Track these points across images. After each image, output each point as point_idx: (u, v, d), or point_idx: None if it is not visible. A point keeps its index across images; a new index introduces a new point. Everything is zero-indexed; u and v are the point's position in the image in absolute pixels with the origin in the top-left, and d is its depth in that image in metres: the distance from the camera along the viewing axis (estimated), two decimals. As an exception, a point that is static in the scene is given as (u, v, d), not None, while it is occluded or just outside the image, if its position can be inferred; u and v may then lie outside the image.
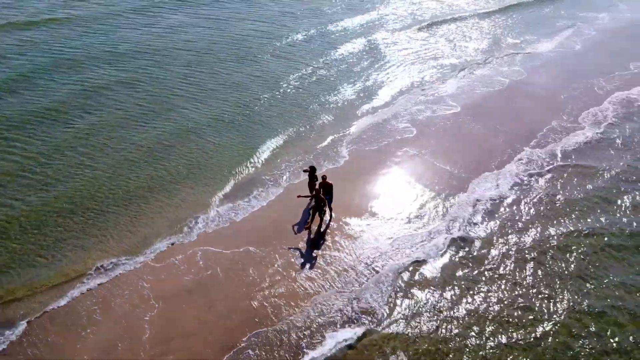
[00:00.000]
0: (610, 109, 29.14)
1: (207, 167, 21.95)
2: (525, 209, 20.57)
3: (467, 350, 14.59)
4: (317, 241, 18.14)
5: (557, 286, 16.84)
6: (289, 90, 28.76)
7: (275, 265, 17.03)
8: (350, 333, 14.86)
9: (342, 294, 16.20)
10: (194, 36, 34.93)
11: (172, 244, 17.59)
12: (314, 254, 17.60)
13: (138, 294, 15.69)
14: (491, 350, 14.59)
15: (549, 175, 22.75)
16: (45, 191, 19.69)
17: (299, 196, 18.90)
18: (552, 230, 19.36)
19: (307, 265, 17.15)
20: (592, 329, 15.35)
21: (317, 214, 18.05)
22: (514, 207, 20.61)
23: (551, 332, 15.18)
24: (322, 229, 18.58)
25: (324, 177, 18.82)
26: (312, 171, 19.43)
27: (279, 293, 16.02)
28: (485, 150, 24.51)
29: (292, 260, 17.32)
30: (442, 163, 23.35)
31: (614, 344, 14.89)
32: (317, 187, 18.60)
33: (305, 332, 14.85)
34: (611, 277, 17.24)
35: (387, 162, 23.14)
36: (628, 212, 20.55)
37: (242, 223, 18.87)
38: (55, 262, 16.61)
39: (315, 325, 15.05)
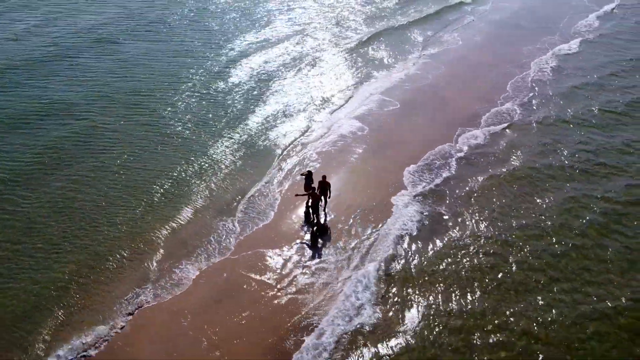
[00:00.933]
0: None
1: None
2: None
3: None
4: (319, 234, 20.13)
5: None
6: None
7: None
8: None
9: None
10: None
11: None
12: (319, 245, 19.61)
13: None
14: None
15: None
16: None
17: (296, 195, 20.74)
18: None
19: (316, 256, 19.08)
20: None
21: (315, 210, 19.99)
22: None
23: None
24: (321, 223, 20.55)
25: (324, 177, 20.75)
26: (309, 175, 21.38)
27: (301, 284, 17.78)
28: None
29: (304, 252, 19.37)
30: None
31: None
32: (317, 188, 20.58)
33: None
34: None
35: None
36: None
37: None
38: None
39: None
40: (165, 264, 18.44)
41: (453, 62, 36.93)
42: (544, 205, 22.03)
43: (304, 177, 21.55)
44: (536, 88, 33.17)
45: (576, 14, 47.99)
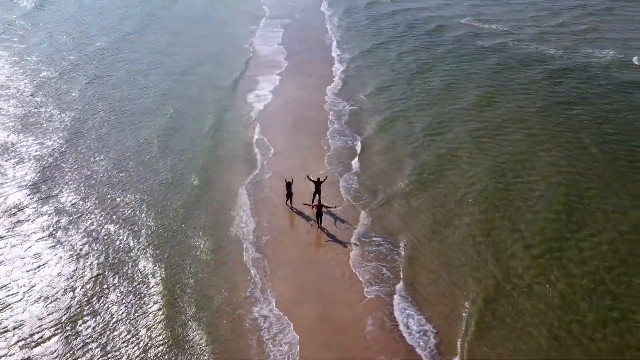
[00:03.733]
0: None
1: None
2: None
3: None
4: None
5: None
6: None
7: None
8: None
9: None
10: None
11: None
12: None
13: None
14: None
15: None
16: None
17: (304, 204, 24.33)
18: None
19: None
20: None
21: (319, 218, 23.60)
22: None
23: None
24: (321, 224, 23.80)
25: (318, 179, 24.25)
26: (288, 184, 24.41)
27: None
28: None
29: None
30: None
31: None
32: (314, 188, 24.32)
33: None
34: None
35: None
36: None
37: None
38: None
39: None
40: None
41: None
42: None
43: (289, 183, 24.40)
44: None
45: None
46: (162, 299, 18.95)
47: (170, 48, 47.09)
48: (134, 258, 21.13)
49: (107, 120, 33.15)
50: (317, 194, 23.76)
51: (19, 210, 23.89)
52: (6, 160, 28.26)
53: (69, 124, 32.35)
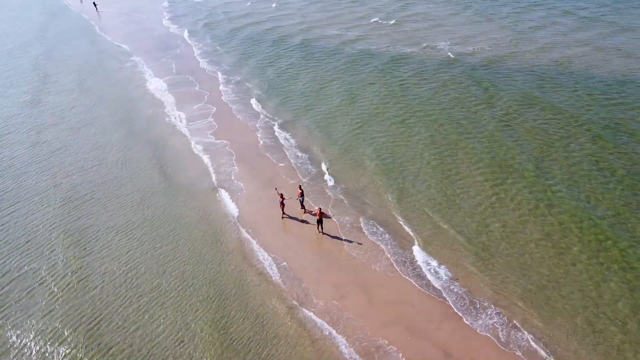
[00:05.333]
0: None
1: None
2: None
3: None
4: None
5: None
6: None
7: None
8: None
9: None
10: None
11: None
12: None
13: None
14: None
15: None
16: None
17: (306, 212, 29.26)
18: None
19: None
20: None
21: (320, 224, 27.38)
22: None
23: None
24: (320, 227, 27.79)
25: (301, 186, 29.34)
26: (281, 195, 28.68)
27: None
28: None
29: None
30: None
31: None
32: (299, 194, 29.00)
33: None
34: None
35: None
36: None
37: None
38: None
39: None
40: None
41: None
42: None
43: (280, 194, 28.62)
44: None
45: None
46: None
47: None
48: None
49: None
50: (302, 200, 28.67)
51: None
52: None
53: None
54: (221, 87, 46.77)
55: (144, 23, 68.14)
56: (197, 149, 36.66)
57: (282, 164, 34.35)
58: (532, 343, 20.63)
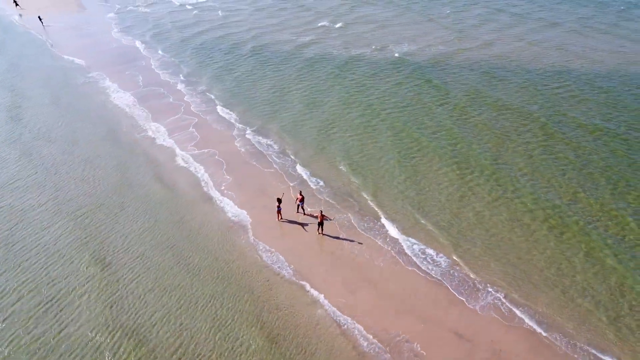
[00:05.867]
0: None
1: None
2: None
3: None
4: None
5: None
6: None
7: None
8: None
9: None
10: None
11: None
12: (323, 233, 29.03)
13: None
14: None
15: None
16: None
17: (304, 213, 30.76)
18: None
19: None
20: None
21: (320, 226, 28.81)
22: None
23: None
24: (321, 229, 29.11)
25: (301, 192, 30.68)
26: (279, 200, 29.81)
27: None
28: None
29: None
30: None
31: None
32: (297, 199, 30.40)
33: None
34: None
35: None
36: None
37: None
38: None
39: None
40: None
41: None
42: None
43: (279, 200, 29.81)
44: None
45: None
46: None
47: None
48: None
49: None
50: (302, 204, 30.06)
51: None
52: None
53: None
54: (187, 98, 46.83)
55: (95, 36, 66.29)
56: (186, 159, 36.98)
57: (268, 170, 35.35)
58: (528, 316, 23.11)
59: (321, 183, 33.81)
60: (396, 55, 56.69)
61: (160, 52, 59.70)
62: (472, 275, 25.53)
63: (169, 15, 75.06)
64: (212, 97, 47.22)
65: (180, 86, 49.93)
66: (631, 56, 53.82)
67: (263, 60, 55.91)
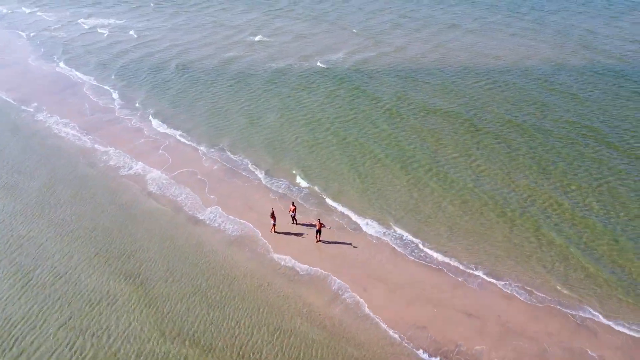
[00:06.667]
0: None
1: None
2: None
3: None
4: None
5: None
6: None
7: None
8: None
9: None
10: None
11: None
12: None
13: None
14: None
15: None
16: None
17: (296, 222, 32.48)
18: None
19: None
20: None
21: (318, 233, 30.77)
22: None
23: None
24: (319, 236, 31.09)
25: (293, 203, 32.44)
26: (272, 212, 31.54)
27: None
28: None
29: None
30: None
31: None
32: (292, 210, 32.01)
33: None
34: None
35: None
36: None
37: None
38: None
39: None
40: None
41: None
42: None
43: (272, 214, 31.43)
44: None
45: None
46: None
47: None
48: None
49: None
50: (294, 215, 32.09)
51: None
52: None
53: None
54: (135, 123, 45.88)
55: (14, 66, 61.73)
56: (160, 185, 37.01)
57: (249, 185, 36.74)
58: (516, 283, 27.25)
59: (305, 192, 35.73)
60: (320, 64, 59.78)
61: (87, 77, 57.58)
62: (462, 259, 29.05)
63: (82, 38, 72.18)
64: (160, 120, 46.87)
65: (123, 112, 48.93)
66: (524, 51, 61.43)
67: (193, 79, 56.33)
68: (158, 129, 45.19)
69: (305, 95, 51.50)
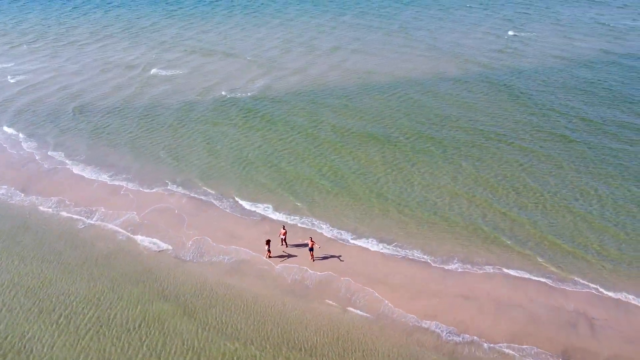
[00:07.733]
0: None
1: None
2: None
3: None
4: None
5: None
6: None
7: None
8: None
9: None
10: None
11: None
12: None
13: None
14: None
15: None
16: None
17: (286, 245, 34.26)
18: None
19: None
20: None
21: (312, 252, 32.75)
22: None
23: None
24: (312, 255, 33.13)
25: (284, 226, 34.46)
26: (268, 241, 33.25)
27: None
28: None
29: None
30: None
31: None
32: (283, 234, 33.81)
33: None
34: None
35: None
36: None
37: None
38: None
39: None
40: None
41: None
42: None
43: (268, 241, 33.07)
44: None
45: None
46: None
47: None
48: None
49: None
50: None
51: None
52: None
53: None
54: (76, 171, 44.56)
55: None
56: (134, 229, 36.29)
57: (224, 214, 37.85)
58: (492, 264, 31.95)
59: (281, 213, 37.52)
60: (225, 94, 61.05)
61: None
62: (446, 249, 33.35)
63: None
64: (103, 165, 45.40)
65: (54, 158, 46.26)
66: (408, 65, 68.91)
67: (98, 120, 54.11)
68: (107, 177, 43.83)
69: (226, 131, 51.82)
